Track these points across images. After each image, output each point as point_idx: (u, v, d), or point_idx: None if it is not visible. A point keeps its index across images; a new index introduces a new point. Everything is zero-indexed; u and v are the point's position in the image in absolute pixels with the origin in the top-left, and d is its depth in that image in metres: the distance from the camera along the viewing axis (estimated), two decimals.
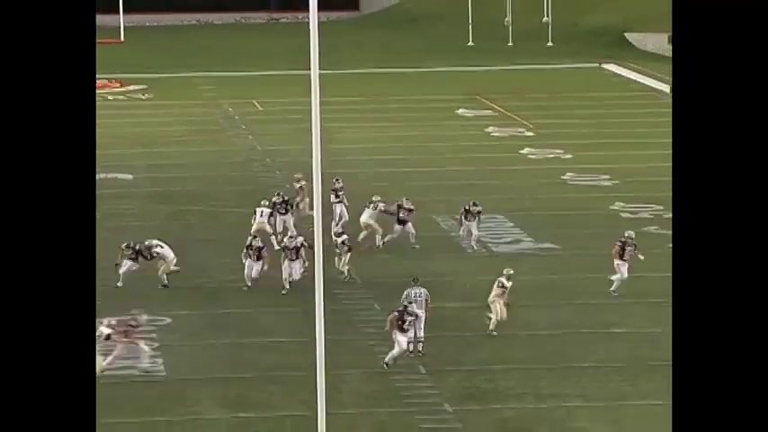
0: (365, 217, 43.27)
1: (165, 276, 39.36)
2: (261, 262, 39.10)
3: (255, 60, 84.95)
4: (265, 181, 52.99)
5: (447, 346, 34.08)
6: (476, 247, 42.67)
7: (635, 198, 50.24)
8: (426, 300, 34.04)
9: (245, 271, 39.09)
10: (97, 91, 76.46)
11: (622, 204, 49.60)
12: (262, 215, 43.01)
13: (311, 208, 39.76)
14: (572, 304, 37.96)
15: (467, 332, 35.12)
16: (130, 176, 54.89)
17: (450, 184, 51.55)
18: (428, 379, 32.48)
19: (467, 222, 42.84)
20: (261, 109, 70.54)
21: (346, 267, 39.32)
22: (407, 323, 32.00)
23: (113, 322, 32.19)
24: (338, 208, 45.26)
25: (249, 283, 39.04)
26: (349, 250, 39.42)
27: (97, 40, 70.90)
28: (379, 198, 43.31)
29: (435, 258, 41.72)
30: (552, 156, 58.49)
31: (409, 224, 42.96)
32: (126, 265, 39.28)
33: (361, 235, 42.79)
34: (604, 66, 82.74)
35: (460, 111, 69.07)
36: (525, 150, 59.82)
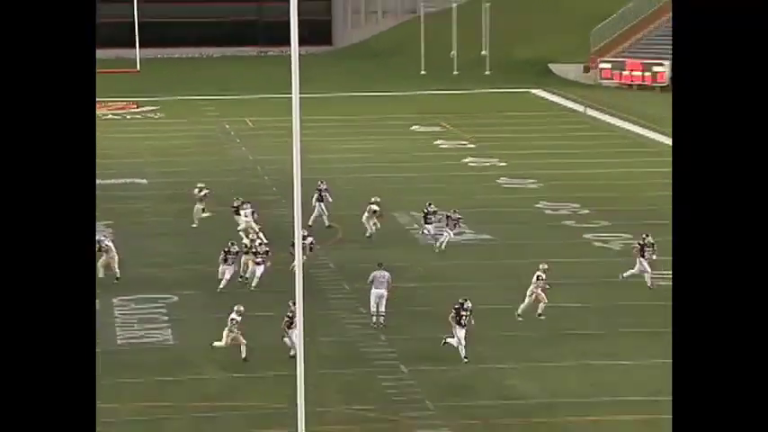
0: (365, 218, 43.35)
1: (102, 270, 37.31)
2: (233, 266, 36.94)
3: (247, 86, 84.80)
4: (256, 184, 53.12)
5: (404, 319, 34.10)
6: (436, 242, 42.41)
7: (556, 198, 50.32)
8: (388, 281, 34.04)
9: (219, 275, 36.80)
10: (117, 112, 76.56)
11: (545, 203, 49.68)
12: (246, 215, 42.60)
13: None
14: (505, 284, 38.01)
15: (421, 307, 35.13)
16: (145, 181, 54.92)
17: (406, 187, 51.55)
18: (388, 346, 32.49)
19: (427, 225, 42.77)
20: (252, 126, 70.39)
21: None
22: (464, 318, 30.97)
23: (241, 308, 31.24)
24: (320, 206, 45.14)
25: (222, 285, 36.64)
26: (311, 250, 37.92)
27: (117, 70, 70.32)
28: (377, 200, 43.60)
29: (395, 248, 41.70)
30: (489, 164, 58.53)
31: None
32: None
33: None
34: (532, 90, 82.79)
35: (414, 127, 69.04)
36: (467, 159, 59.84)
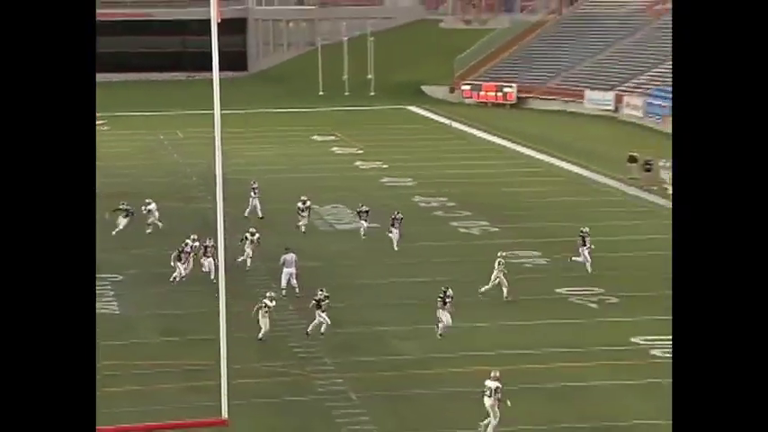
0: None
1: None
2: (186, 265, 35.09)
3: (178, 104, 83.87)
4: (186, 183, 52.69)
5: (308, 291, 34.00)
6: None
7: (428, 193, 50.49)
8: (295, 260, 34.00)
9: (177, 271, 34.90)
10: None
11: (419, 197, 49.84)
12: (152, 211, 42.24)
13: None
14: (387, 263, 38.06)
15: (322, 282, 35.02)
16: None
17: (309, 185, 51.33)
18: (294, 313, 32.37)
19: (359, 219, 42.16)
20: (182, 136, 69.63)
21: (249, 258, 36.88)
22: (448, 303, 30.13)
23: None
24: (254, 202, 44.92)
25: (177, 279, 34.91)
26: (258, 243, 37.02)
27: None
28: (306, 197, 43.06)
29: (299, 235, 41.55)
30: (374, 166, 58.51)
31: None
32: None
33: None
34: (408, 107, 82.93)
35: (314, 137, 68.85)
36: (357, 163, 59.79)
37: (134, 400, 25.78)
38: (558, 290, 34.69)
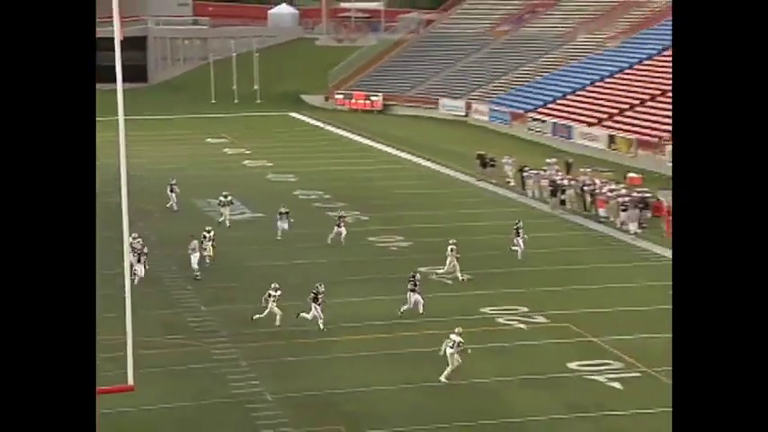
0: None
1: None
2: (141, 265, 32.44)
3: None
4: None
5: (205, 273, 33.62)
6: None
7: (308, 187, 50.31)
8: (196, 246, 33.62)
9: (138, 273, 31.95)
10: None
11: (301, 191, 49.64)
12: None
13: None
14: (272, 248, 37.82)
15: (220, 265, 34.68)
16: None
17: (204, 182, 50.77)
18: (192, 291, 31.98)
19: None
20: None
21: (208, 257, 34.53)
22: (417, 286, 29.55)
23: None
24: (172, 196, 44.19)
25: (136, 282, 31.43)
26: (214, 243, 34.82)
27: None
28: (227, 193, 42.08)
29: (197, 224, 41.02)
30: (261, 164, 58.11)
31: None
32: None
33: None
34: (290, 114, 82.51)
35: (208, 140, 68.04)
36: (246, 162, 59.27)
37: None
38: (420, 269, 34.90)
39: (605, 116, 63.15)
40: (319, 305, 28.30)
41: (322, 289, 28.56)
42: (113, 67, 19.13)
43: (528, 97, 72.63)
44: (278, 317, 28.67)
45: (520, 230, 36.18)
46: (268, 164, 58.21)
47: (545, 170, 48.55)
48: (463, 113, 77.25)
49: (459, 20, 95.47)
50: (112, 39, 18.99)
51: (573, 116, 65.00)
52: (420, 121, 77.61)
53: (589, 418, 22.30)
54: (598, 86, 68.76)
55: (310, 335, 28.14)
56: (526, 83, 76.11)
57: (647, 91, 63.87)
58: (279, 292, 28.89)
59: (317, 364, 26.12)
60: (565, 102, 68.75)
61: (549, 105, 69.26)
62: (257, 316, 28.75)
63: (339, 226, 37.94)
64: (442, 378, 24.47)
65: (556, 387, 24.14)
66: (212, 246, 34.69)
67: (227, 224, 40.92)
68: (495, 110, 73.52)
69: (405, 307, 29.52)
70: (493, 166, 52.32)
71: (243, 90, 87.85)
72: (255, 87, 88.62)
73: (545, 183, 46.68)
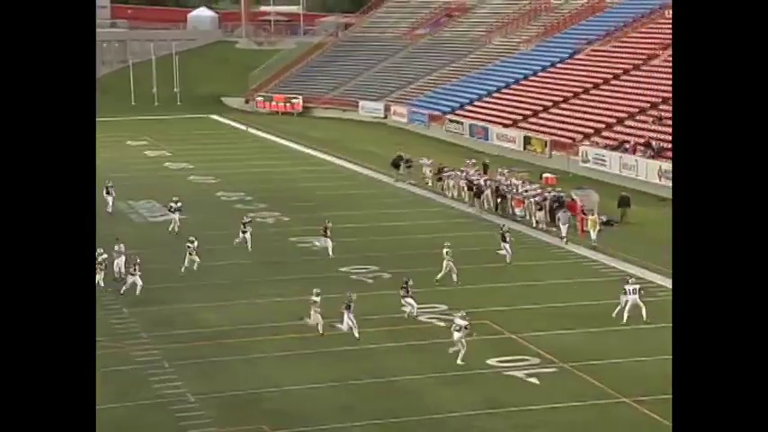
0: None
1: None
2: (102, 273, 31.41)
3: None
4: None
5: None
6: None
7: (229, 189, 49.98)
8: (123, 246, 33.22)
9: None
10: None
11: (222, 192, 49.29)
12: None
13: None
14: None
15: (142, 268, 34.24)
16: None
17: (129, 183, 50.08)
18: (112, 294, 31.52)
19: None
20: None
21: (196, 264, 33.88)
22: (410, 291, 28.95)
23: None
24: (109, 199, 43.37)
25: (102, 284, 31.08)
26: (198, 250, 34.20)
27: None
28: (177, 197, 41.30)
29: (125, 225, 40.47)
30: (182, 166, 57.57)
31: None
32: None
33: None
34: (211, 116, 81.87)
35: (129, 142, 67.23)
36: (167, 164, 58.68)
37: None
38: (340, 268, 34.86)
39: (520, 118, 63.80)
40: (351, 313, 27.31)
41: (354, 297, 27.78)
42: None
43: (445, 99, 73.05)
44: (320, 325, 27.49)
45: (506, 235, 35.57)
46: (189, 166, 57.66)
47: (464, 171, 48.86)
48: (382, 115, 77.39)
49: (377, 23, 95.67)
50: None
51: (489, 118, 65.55)
52: (340, 122, 77.56)
53: (508, 413, 22.47)
54: (513, 89, 69.44)
55: (235, 334, 27.89)
56: (443, 85, 76.54)
57: (560, 93, 64.69)
58: (318, 298, 27.67)
59: (240, 363, 25.91)
60: (481, 104, 69.29)
61: (467, 107, 69.75)
62: (307, 320, 27.75)
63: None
64: (459, 362, 24.95)
65: (475, 383, 24.28)
66: (196, 254, 33.53)
67: (176, 230, 39.73)
68: (414, 112, 73.81)
69: (408, 312, 29.08)
70: (410, 167, 52.51)
71: (163, 93, 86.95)
72: (176, 90, 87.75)
73: (463, 183, 46.99)
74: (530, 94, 66.82)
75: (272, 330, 28.22)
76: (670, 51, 62.91)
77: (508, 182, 45.42)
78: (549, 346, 26.36)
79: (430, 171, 50.75)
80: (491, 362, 25.59)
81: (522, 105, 65.61)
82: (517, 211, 42.92)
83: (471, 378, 24.61)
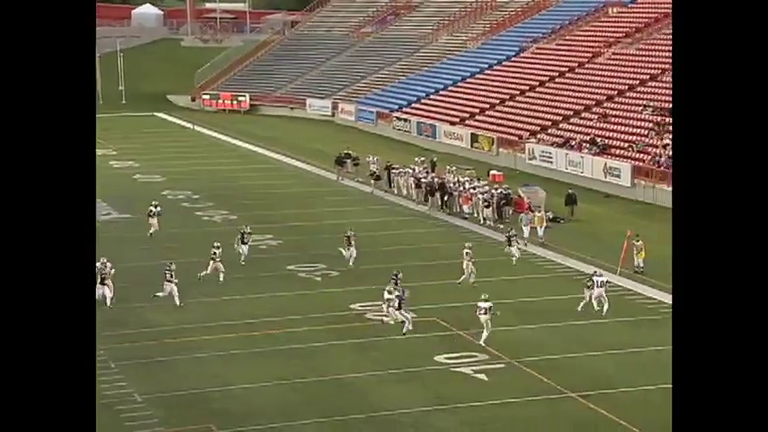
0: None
1: None
2: (105, 287, 29.79)
3: None
4: None
5: None
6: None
7: (176, 187, 49.63)
8: None
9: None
10: None
11: (169, 191, 48.89)
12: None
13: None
14: (140, 249, 37.13)
15: None
16: None
17: None
18: None
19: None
20: None
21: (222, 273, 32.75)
22: (399, 283, 28.76)
23: None
24: None
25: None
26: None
27: None
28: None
29: None
30: (128, 165, 57.06)
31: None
32: None
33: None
34: (156, 114, 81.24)
35: None
36: (112, 162, 58.11)
37: None
38: (288, 266, 34.78)
39: (467, 115, 64.07)
40: (402, 308, 27.40)
41: (407, 295, 27.70)
42: None
43: (393, 97, 73.14)
44: (405, 326, 27.40)
45: (512, 239, 35.24)
46: (135, 164, 57.15)
47: (413, 168, 48.96)
48: (330, 113, 77.31)
49: (323, 21, 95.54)
50: None
51: (437, 116, 65.74)
52: (287, 121, 77.34)
53: (455, 409, 22.55)
54: (460, 86, 69.71)
55: (183, 333, 27.70)
56: (391, 83, 76.62)
57: (506, 91, 65.05)
58: (392, 294, 27.72)
59: (186, 363, 25.72)
60: (429, 101, 69.48)
61: (414, 105, 69.90)
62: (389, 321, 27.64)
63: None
64: (481, 342, 26.06)
65: (424, 380, 24.33)
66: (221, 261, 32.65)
67: (151, 235, 38.85)
68: (362, 109, 73.83)
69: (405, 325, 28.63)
70: (357, 164, 52.51)
71: (108, 91, 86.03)
72: (120, 88, 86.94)
73: (411, 181, 47.09)
74: (477, 92, 67.11)
75: (220, 329, 28.05)
76: (614, 49, 63.59)
77: (456, 179, 45.60)
78: (496, 343, 26.50)
79: (376, 169, 50.81)
80: (439, 359, 25.66)
81: (469, 103, 65.88)
82: (465, 208, 43.10)
83: (419, 375, 24.66)
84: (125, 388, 23.98)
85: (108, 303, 29.73)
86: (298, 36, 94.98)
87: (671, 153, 46.88)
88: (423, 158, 51.98)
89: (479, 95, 66.28)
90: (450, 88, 70.15)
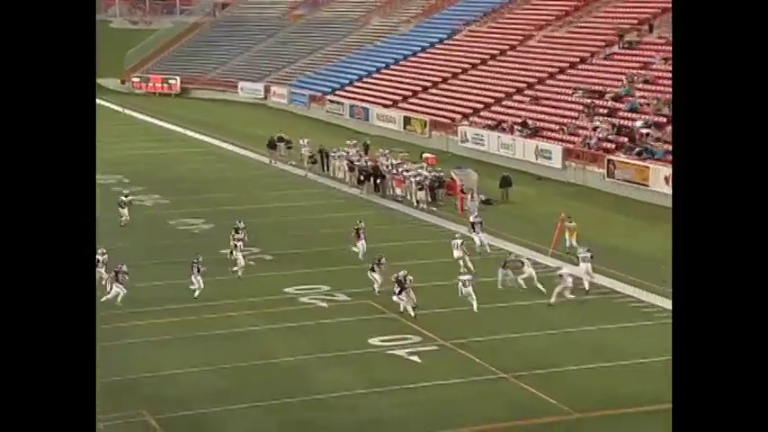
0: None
1: None
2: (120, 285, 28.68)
3: None
4: None
5: None
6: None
7: (105, 171, 48.62)
8: None
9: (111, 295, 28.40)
10: None
11: (99, 175, 47.78)
12: None
13: None
14: None
15: None
16: None
17: None
18: None
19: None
20: None
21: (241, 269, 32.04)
22: (383, 266, 29.03)
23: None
24: None
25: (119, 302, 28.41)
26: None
27: None
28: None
29: None
30: None
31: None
32: None
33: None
34: None
35: None
36: None
37: None
38: (221, 251, 34.48)
39: (400, 98, 64.11)
40: (405, 293, 27.30)
41: (410, 278, 27.48)
42: None
43: (325, 80, 72.90)
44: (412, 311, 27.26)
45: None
46: None
47: (347, 151, 48.84)
48: (262, 96, 76.83)
49: (255, 3, 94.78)
50: None
51: (369, 98, 65.67)
52: (219, 104, 76.68)
53: (391, 392, 22.58)
54: (393, 69, 69.70)
55: (108, 320, 27.30)
56: (323, 66, 76.34)
57: (439, 73, 65.19)
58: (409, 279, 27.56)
59: (116, 349, 25.36)
60: (361, 84, 69.37)
61: (347, 88, 69.75)
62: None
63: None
64: (475, 309, 27.23)
65: (358, 363, 24.31)
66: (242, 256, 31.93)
67: (122, 224, 37.83)
68: (295, 92, 73.47)
69: (377, 288, 28.99)
70: (290, 147, 52.28)
71: None
72: None
73: (344, 164, 47.00)
74: (409, 75, 67.15)
75: (150, 315, 27.73)
76: (545, 32, 64.02)
77: (389, 162, 45.59)
78: (429, 324, 26.57)
79: (308, 152, 50.61)
80: (373, 341, 25.66)
81: (401, 86, 65.90)
82: (398, 191, 43.13)
83: (353, 358, 24.64)
84: None
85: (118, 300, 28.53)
86: (229, 18, 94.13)
87: (601, 135, 47.41)
88: (355, 141, 51.90)
89: (412, 78, 66.32)
90: (383, 71, 70.09)
